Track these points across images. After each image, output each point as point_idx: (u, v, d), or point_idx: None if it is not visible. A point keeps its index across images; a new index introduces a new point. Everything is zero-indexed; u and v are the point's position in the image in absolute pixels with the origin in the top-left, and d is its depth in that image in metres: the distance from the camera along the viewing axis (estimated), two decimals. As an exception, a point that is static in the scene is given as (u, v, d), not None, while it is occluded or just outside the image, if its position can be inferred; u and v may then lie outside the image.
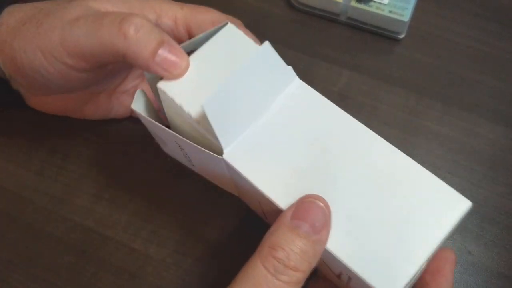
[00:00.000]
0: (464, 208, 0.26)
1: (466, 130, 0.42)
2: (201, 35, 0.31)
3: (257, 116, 0.29)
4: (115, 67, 0.36)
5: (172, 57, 0.29)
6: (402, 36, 0.46)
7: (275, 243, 0.25)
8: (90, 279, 0.36)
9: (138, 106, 0.32)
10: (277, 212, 0.27)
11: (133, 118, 0.42)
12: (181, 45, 0.31)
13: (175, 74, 0.29)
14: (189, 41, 0.31)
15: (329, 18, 0.47)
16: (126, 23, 0.29)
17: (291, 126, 0.29)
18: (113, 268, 0.36)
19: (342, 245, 0.26)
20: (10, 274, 0.36)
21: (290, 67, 0.30)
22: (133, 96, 0.32)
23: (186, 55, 0.30)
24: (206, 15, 0.34)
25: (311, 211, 0.25)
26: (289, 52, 0.46)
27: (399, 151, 0.28)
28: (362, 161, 0.28)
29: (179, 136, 0.30)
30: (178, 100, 0.29)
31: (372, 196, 0.27)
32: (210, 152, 0.28)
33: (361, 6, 0.45)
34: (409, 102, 0.43)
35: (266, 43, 0.28)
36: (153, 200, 0.39)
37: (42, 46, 0.31)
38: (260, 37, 0.47)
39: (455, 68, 0.45)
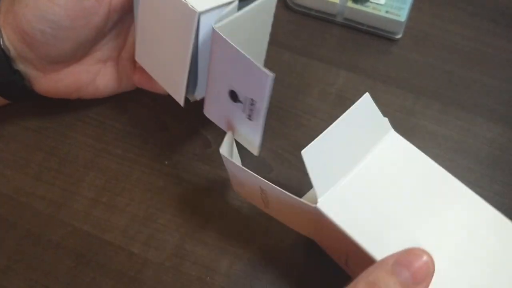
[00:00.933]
0: None
1: (463, 130, 0.42)
2: None
3: (352, 166, 0.30)
4: (115, 6, 0.36)
5: None
6: (399, 36, 0.46)
7: (372, 282, 0.24)
8: (89, 284, 0.36)
9: (225, 150, 0.33)
10: (366, 261, 0.28)
11: (134, 115, 0.42)
12: None
13: None
14: None
15: (325, 19, 0.47)
16: None
17: (385, 179, 0.30)
18: (112, 272, 0.36)
19: None
20: (9, 280, 0.36)
21: (386, 119, 0.31)
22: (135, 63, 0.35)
23: None
24: None
25: (416, 262, 0.25)
26: (286, 53, 0.46)
27: (487, 204, 0.29)
28: (451, 213, 0.29)
29: (267, 182, 0.30)
30: None
31: (460, 250, 0.28)
32: (305, 202, 0.28)
33: (358, 6, 0.45)
34: (406, 102, 0.43)
35: (366, 95, 0.30)
36: (151, 204, 0.38)
37: None
38: (256, 39, 0.47)
39: (452, 67, 0.45)
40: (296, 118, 0.42)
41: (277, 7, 0.49)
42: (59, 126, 0.42)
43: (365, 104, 0.30)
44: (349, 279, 0.26)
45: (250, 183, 0.32)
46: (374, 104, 0.30)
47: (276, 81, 0.44)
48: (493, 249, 0.28)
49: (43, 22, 0.33)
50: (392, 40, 0.46)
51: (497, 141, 0.41)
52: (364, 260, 0.28)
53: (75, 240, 0.37)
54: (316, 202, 0.29)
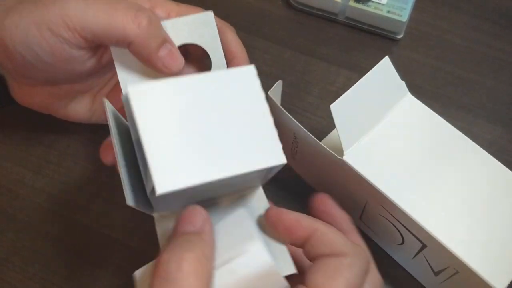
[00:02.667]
0: None
1: (463, 131, 0.42)
2: (182, 19, 0.33)
3: (374, 124, 0.33)
4: (105, 62, 0.35)
5: (173, 55, 0.32)
6: (400, 36, 0.46)
7: None
8: (88, 278, 0.36)
9: (274, 94, 0.33)
10: (384, 211, 0.32)
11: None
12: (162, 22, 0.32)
13: (173, 71, 0.32)
14: (169, 21, 0.33)
15: (327, 18, 0.47)
16: (142, 13, 0.31)
17: (403, 136, 0.33)
18: (111, 267, 0.36)
19: (457, 243, 0.29)
20: (8, 273, 0.36)
21: (403, 82, 0.34)
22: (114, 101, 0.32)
23: (182, 57, 0.32)
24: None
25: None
26: (288, 51, 0.46)
27: (493, 158, 0.32)
28: (462, 165, 0.32)
29: (301, 127, 0.32)
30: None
31: (470, 200, 0.31)
32: (332, 152, 0.31)
33: (360, 6, 0.45)
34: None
35: (386, 58, 0.32)
36: (151, 199, 0.39)
37: (38, 19, 0.31)
38: (259, 36, 0.47)
39: (452, 68, 0.45)
40: (296, 116, 0.42)
41: (279, 5, 0.50)
42: (59, 120, 0.42)
43: (385, 67, 0.32)
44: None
45: (286, 128, 0.34)
46: (393, 68, 0.33)
47: (277, 79, 0.45)
48: (499, 198, 0.31)
49: (26, 48, 0.32)
50: (393, 40, 0.46)
51: (497, 142, 0.41)
52: (382, 210, 0.32)
53: (74, 234, 0.37)
54: (342, 155, 0.31)
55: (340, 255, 0.26)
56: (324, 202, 0.30)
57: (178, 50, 0.32)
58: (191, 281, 0.22)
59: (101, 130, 0.41)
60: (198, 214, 0.26)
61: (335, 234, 0.27)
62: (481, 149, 0.33)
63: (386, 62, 0.32)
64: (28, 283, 0.36)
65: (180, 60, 0.32)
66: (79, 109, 0.38)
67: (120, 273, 0.36)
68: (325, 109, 0.43)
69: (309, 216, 0.28)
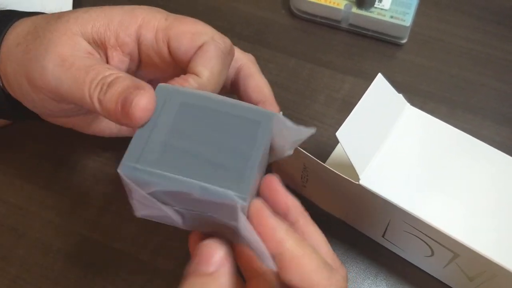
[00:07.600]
0: None
1: (471, 133, 0.41)
2: None
3: (381, 142, 0.32)
4: None
5: (133, 110, 0.28)
6: (404, 41, 0.46)
7: None
8: (99, 293, 0.36)
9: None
10: (409, 228, 0.31)
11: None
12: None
13: (135, 123, 0.28)
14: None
15: (330, 25, 0.47)
16: (97, 90, 0.29)
17: (413, 148, 0.32)
18: (122, 281, 0.36)
19: (490, 247, 0.29)
20: (19, 290, 0.36)
21: (401, 95, 0.34)
22: None
23: (148, 94, 0.27)
24: (188, 26, 0.31)
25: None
26: (292, 60, 0.46)
27: (507, 155, 0.32)
28: (479, 169, 0.32)
29: (312, 157, 0.31)
30: None
31: (493, 201, 0.31)
32: (347, 178, 0.31)
33: (363, 12, 0.45)
34: (413, 107, 0.43)
35: (379, 75, 0.32)
36: (160, 212, 0.38)
37: (27, 74, 0.30)
38: (263, 46, 0.47)
39: (458, 71, 0.45)
40: (303, 124, 0.42)
41: (282, 14, 0.50)
42: (68, 136, 0.42)
43: (380, 84, 0.32)
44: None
45: (295, 158, 0.32)
46: (388, 83, 0.32)
47: (283, 88, 0.45)
48: None
49: (24, 98, 0.32)
50: (397, 45, 0.46)
51: (506, 144, 0.41)
52: (407, 226, 0.31)
53: (85, 249, 0.37)
54: (357, 180, 0.31)
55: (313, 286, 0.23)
56: (270, 187, 0.26)
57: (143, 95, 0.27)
58: None
59: (112, 145, 0.41)
60: (215, 253, 0.25)
61: (308, 259, 0.23)
62: (492, 148, 0.32)
63: (380, 79, 0.32)
64: (40, 300, 0.36)
65: (141, 110, 0.28)
66: (103, 127, 0.37)
67: (132, 287, 0.36)
68: (331, 117, 0.42)
69: (287, 228, 0.24)
